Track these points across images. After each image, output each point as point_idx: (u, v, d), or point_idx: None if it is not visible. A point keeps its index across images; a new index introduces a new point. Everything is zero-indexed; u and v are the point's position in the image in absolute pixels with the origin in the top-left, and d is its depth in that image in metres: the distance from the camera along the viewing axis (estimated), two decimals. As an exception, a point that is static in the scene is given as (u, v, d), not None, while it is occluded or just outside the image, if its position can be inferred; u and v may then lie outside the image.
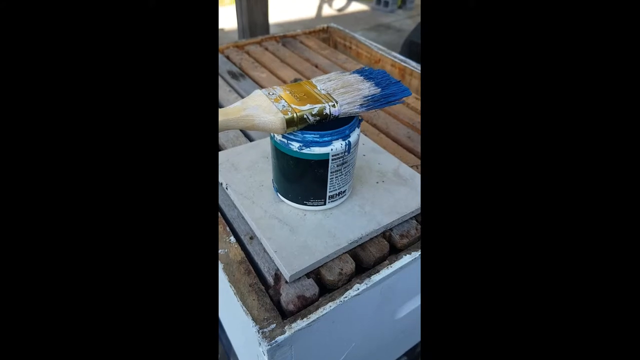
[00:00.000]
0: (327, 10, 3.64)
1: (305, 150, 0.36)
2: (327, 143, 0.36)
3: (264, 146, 0.51)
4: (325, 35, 0.90)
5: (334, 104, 0.36)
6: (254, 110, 0.34)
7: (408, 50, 1.65)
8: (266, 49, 0.80)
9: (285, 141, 0.36)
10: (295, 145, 0.36)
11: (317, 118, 0.35)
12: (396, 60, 0.77)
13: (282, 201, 0.42)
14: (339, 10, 3.68)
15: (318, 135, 0.35)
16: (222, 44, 0.78)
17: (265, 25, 1.41)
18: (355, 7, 3.75)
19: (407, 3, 3.72)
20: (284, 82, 0.69)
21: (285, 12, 3.41)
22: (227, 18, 3.23)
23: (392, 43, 2.90)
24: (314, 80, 0.39)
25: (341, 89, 0.38)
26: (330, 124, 0.36)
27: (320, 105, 0.35)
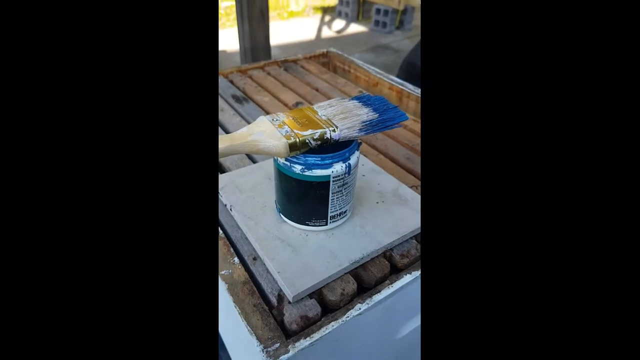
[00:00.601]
0: (326, 32, 3.73)
1: (307, 173, 0.37)
2: (328, 165, 0.37)
3: (267, 168, 0.52)
4: (325, 59, 0.93)
5: (334, 129, 0.37)
6: (259, 135, 0.36)
7: (406, 71, 1.69)
8: (268, 73, 0.83)
9: (288, 164, 0.38)
10: (297, 168, 0.37)
11: (319, 142, 0.37)
12: (393, 83, 0.79)
13: (285, 222, 0.43)
14: (338, 32, 3.77)
15: (319, 158, 0.37)
16: (223, 66, 0.81)
17: (266, 48, 1.45)
18: (354, 28, 3.84)
19: (405, 24, 3.81)
20: (286, 105, 0.71)
21: (286, 34, 3.49)
22: (228, 40, 3.30)
23: (390, 64, 2.96)
24: (315, 107, 0.41)
25: (341, 115, 0.39)
26: (331, 148, 0.38)
27: (321, 130, 0.37)
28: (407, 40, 3.62)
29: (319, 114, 0.40)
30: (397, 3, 3.63)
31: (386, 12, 3.66)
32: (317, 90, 0.77)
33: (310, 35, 3.61)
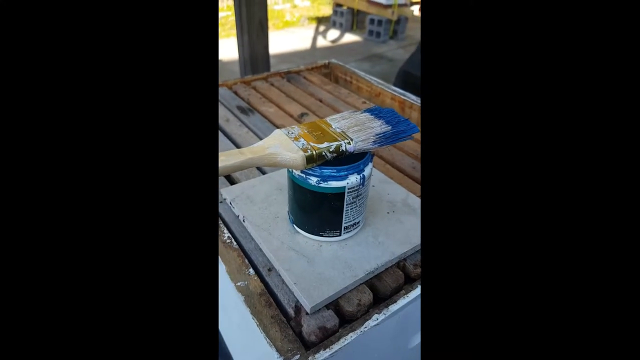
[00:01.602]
0: (321, 42, 3.77)
1: (323, 184, 0.38)
2: (344, 177, 0.38)
3: (277, 179, 0.52)
4: (326, 70, 0.94)
5: (349, 142, 0.38)
6: (276, 148, 0.36)
7: (402, 80, 1.72)
8: (272, 84, 0.84)
9: (304, 176, 0.38)
10: (313, 180, 0.38)
11: (334, 154, 0.38)
12: (395, 93, 0.80)
13: (298, 232, 0.44)
14: (333, 41, 3.81)
15: (335, 170, 0.38)
16: (220, 75, 0.82)
17: (265, 58, 1.46)
18: (349, 38, 3.89)
19: (399, 34, 3.86)
20: (291, 116, 0.72)
21: (281, 44, 3.52)
22: (223, 50, 3.32)
23: (385, 72, 3.00)
24: (328, 119, 0.42)
25: (355, 127, 0.40)
26: (345, 160, 0.38)
27: (337, 142, 0.38)
28: (401, 49, 3.67)
29: (333, 126, 0.41)
30: (390, 13, 3.69)
31: (380, 22, 3.72)
32: (320, 101, 0.78)
33: (306, 45, 3.64)
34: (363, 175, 0.39)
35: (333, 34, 4.01)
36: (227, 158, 0.34)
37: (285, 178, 0.53)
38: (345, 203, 0.40)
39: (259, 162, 0.36)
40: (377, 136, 0.39)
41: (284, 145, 0.37)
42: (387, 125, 0.41)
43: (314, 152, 0.37)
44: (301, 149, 0.37)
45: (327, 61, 0.95)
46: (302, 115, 0.72)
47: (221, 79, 0.80)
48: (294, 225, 0.44)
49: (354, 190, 0.39)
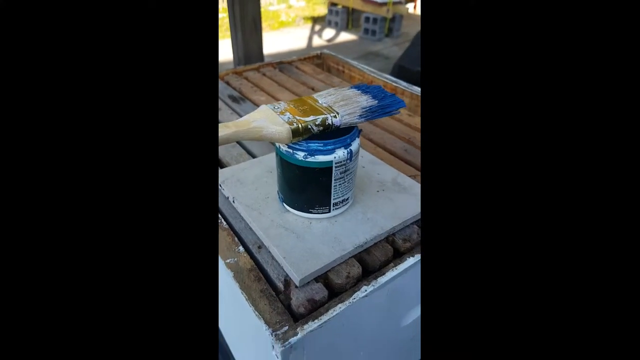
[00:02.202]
0: (317, 41, 3.77)
1: (310, 159, 0.38)
2: (330, 151, 0.38)
3: (267, 162, 0.53)
4: (319, 61, 0.94)
5: (335, 115, 0.38)
6: (262, 122, 0.36)
7: (397, 74, 1.73)
8: (264, 74, 0.84)
9: (291, 151, 0.38)
10: (300, 155, 0.38)
11: (321, 128, 0.38)
12: (387, 81, 0.81)
13: (288, 211, 0.44)
14: (329, 40, 3.82)
15: (322, 144, 0.38)
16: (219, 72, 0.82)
17: (260, 57, 1.46)
18: (344, 37, 3.90)
19: (394, 31, 3.87)
20: (283, 104, 0.72)
21: (277, 44, 3.52)
22: (220, 50, 3.33)
23: (381, 70, 2.99)
24: (315, 95, 0.42)
25: (341, 102, 0.40)
26: (332, 134, 0.38)
27: (322, 116, 0.38)
28: (396, 47, 3.68)
29: (320, 102, 0.41)
30: (385, 11, 3.70)
31: (375, 20, 3.72)
32: (312, 89, 0.78)
33: (302, 44, 3.65)
34: (350, 149, 0.39)
35: (329, 33, 4.02)
36: (212, 131, 0.34)
37: (274, 161, 0.53)
38: (333, 178, 0.40)
39: (245, 136, 0.36)
40: (364, 110, 0.40)
41: (270, 119, 0.37)
42: (373, 100, 0.41)
43: (300, 125, 0.37)
44: (287, 122, 0.37)
45: (319, 52, 0.95)
46: (293, 103, 0.72)
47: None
48: (284, 204, 0.44)
49: (342, 165, 0.39)
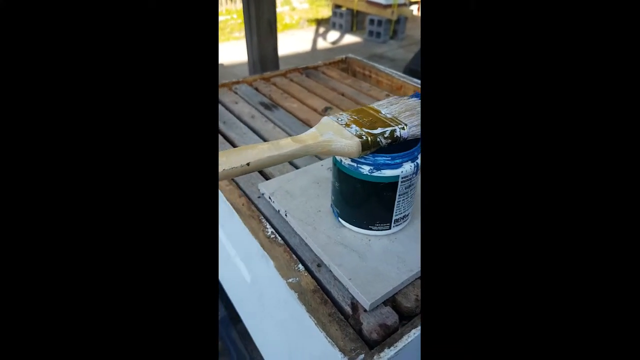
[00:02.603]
0: (321, 44, 3.76)
1: (376, 173, 0.36)
2: (398, 165, 0.36)
3: (313, 172, 0.50)
4: (344, 65, 0.93)
5: (403, 127, 0.36)
6: (330, 135, 0.34)
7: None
8: (291, 80, 0.82)
9: (355, 165, 0.36)
10: (365, 169, 0.36)
11: (389, 141, 0.36)
12: (418, 85, 0.79)
13: (344, 226, 0.41)
14: (333, 43, 3.81)
15: (389, 158, 0.36)
16: (225, 79, 0.80)
17: (274, 59, 1.44)
18: (349, 39, 3.88)
19: (399, 34, 3.86)
20: (315, 110, 0.70)
21: (282, 46, 3.51)
22: (225, 53, 3.31)
23: (388, 72, 2.99)
24: (375, 105, 0.40)
25: (406, 112, 0.38)
26: (398, 147, 0.36)
27: (391, 128, 0.36)
28: (402, 49, 3.67)
29: (382, 112, 0.39)
30: (390, 13, 3.69)
31: (380, 23, 3.71)
32: (342, 94, 0.76)
33: (306, 47, 3.64)
34: (417, 163, 0.37)
35: (333, 35, 4.01)
36: (280, 147, 0.32)
37: (321, 171, 0.51)
38: (397, 194, 0.38)
39: (314, 150, 0.34)
40: (430, 122, 0.38)
41: (337, 132, 0.35)
42: (438, 111, 0.39)
43: (369, 139, 0.35)
44: (355, 135, 0.35)
45: (344, 56, 0.93)
46: (326, 109, 0.70)
47: (222, 81, 0.79)
48: (340, 219, 0.42)
49: (407, 180, 0.37)
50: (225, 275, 0.66)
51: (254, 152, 0.31)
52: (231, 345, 1.11)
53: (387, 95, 0.76)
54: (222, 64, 3.06)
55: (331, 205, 0.43)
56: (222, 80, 0.78)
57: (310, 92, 0.76)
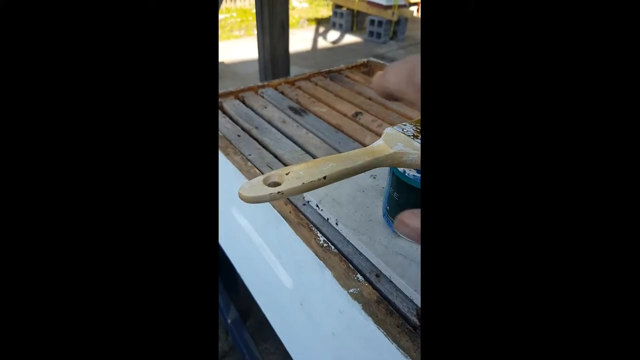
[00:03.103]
0: (322, 43, 3.76)
1: (439, 185, 0.36)
2: (461, 177, 0.36)
3: (355, 179, 0.50)
4: (365, 69, 0.93)
5: (466, 139, 0.36)
6: (401, 147, 0.34)
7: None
8: (316, 84, 0.81)
9: (420, 176, 0.36)
10: (429, 180, 0.36)
11: (454, 153, 0.36)
12: (443, 91, 0.79)
13: (399, 236, 0.42)
14: (334, 42, 3.80)
15: (454, 170, 0.36)
16: (226, 77, 0.79)
17: (286, 60, 1.44)
18: (349, 39, 3.89)
19: (399, 34, 3.87)
20: (345, 115, 0.70)
21: (283, 45, 3.50)
22: (224, 51, 3.29)
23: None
24: (433, 116, 0.40)
25: (466, 124, 0.38)
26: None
27: (456, 140, 0.36)
28: (402, 50, 3.68)
29: (443, 123, 0.39)
30: (390, 14, 3.70)
31: (380, 23, 3.72)
32: (370, 99, 0.76)
33: (307, 46, 3.63)
34: (477, 174, 0.37)
35: (333, 35, 4.01)
36: (354, 160, 0.32)
37: (363, 178, 0.51)
38: (457, 203, 0.38)
39: (385, 163, 0.34)
40: (491, 133, 0.38)
41: (407, 144, 0.35)
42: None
43: (437, 151, 0.35)
44: (423, 147, 0.35)
45: (365, 59, 0.93)
46: (356, 114, 0.70)
47: (224, 82, 0.78)
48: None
49: (468, 190, 0.37)
50: (256, 279, 0.66)
51: (329, 166, 0.31)
52: (244, 347, 1.11)
53: (415, 101, 0.76)
54: (222, 62, 3.04)
55: (384, 215, 0.43)
56: (222, 78, 0.78)
57: (338, 97, 0.76)
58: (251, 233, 0.58)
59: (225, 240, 0.74)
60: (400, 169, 0.38)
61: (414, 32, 4.10)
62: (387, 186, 0.41)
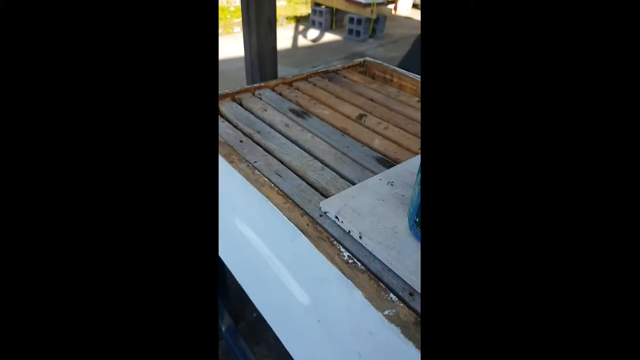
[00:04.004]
0: (302, 41, 3.72)
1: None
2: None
3: (373, 188, 0.48)
4: (362, 69, 0.90)
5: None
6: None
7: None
8: (314, 84, 0.78)
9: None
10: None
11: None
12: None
13: (429, 249, 0.39)
14: (313, 40, 3.77)
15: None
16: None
17: (273, 58, 1.40)
18: (329, 37, 3.86)
19: (378, 32, 3.88)
20: (349, 117, 0.67)
21: (262, 43, 3.44)
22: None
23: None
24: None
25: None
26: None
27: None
28: (381, 48, 3.69)
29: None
30: (369, 12, 3.70)
31: (359, 21, 3.72)
32: (372, 100, 0.74)
33: (287, 44, 3.58)
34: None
35: (313, 33, 3.97)
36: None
37: (382, 186, 0.48)
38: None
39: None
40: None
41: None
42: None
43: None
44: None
45: (362, 59, 0.90)
46: (360, 116, 0.67)
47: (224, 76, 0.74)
48: (424, 241, 0.39)
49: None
50: (263, 294, 0.62)
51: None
52: (240, 355, 1.07)
53: (419, 101, 0.74)
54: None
55: (412, 227, 0.40)
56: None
57: (339, 98, 0.73)
58: (260, 246, 0.54)
59: (227, 250, 0.70)
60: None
61: (393, 29, 4.12)
62: (416, 196, 0.38)
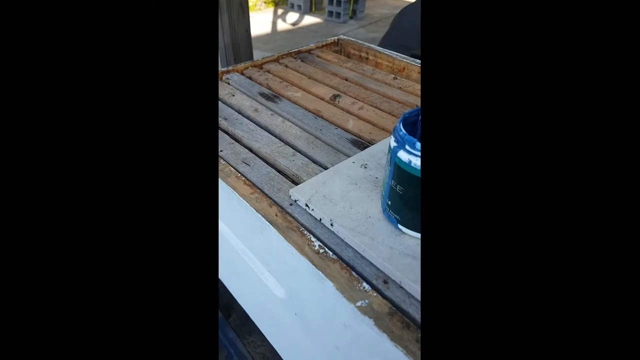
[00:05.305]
0: (282, 25, 3.63)
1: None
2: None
3: (345, 171, 0.45)
4: (337, 48, 0.86)
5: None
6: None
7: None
8: (286, 66, 0.75)
9: (427, 166, 0.31)
10: (439, 170, 0.31)
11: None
12: (420, 67, 0.75)
13: (405, 234, 0.37)
14: (293, 24, 3.68)
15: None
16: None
17: (248, 43, 1.35)
18: (309, 20, 3.77)
19: (358, 13, 3.81)
20: (322, 99, 0.64)
21: (240, 29, 3.35)
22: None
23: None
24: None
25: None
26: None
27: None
28: (362, 29, 3.62)
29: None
30: (349, -8, 3.61)
31: (339, 3, 3.63)
32: (347, 79, 0.71)
33: (266, 29, 3.50)
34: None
35: (292, 16, 3.88)
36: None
37: (354, 169, 0.45)
38: (469, 193, 0.33)
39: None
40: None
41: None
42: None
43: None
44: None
45: (336, 38, 0.87)
46: (334, 97, 0.64)
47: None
48: (399, 226, 0.37)
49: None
50: (240, 287, 0.60)
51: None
52: (230, 347, 1.06)
53: (395, 79, 0.71)
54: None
55: (385, 210, 0.38)
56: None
57: (312, 79, 0.70)
58: (232, 240, 0.51)
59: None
60: (405, 159, 0.32)
61: (373, 10, 4.05)
62: (387, 178, 0.36)
